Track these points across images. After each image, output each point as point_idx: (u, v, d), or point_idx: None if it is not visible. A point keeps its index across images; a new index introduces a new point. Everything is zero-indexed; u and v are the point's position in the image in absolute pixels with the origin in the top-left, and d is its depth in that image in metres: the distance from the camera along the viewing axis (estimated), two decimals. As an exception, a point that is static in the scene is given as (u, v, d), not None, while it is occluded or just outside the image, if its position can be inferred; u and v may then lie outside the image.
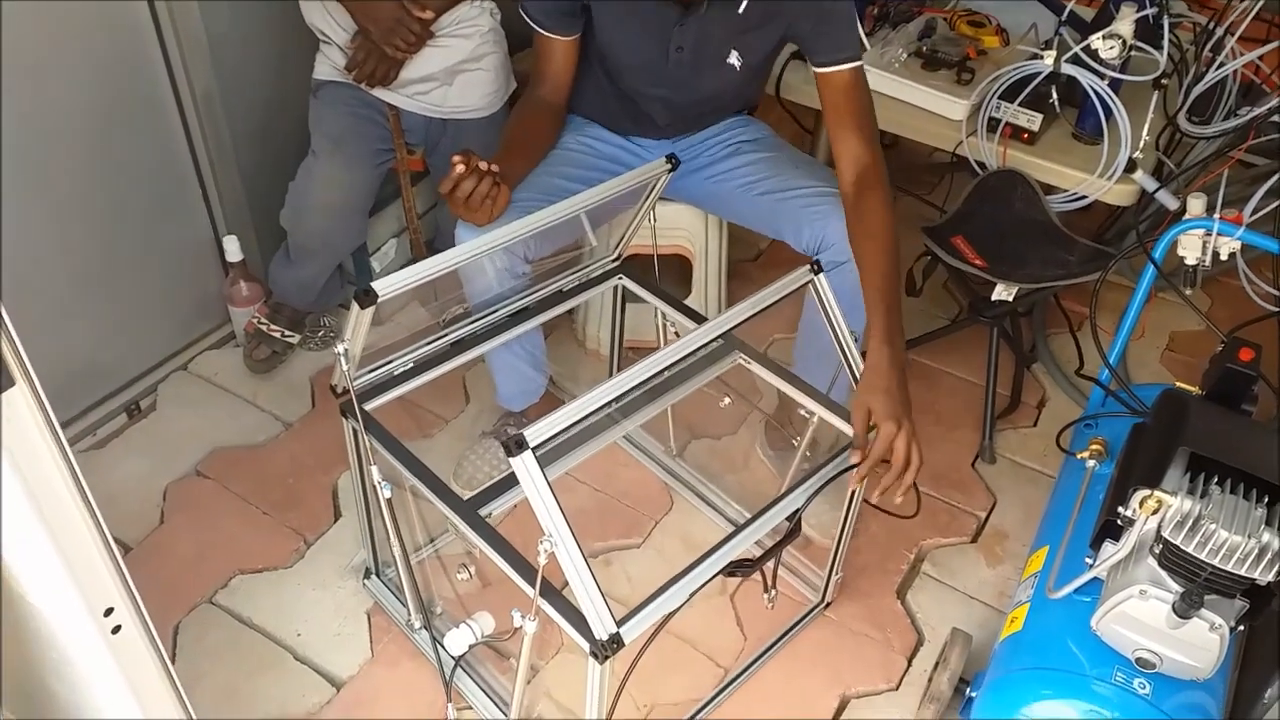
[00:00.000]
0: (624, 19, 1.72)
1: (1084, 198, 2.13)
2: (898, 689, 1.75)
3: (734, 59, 1.75)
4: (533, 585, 1.30)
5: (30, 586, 1.01)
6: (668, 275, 1.88)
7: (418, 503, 1.79)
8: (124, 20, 1.93)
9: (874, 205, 1.64)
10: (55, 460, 0.89)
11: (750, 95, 2.00)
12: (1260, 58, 2.14)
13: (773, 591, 1.60)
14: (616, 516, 2.01)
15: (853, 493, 1.66)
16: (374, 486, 1.52)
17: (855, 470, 1.51)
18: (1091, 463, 1.64)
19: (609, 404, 1.46)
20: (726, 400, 1.83)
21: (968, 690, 1.62)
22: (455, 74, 2.04)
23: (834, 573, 1.80)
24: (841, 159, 1.70)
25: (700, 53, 1.73)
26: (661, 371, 1.46)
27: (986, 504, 2.08)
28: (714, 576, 1.36)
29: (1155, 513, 1.28)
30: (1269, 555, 1.21)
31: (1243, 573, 1.21)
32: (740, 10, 1.67)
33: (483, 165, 1.55)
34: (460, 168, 1.53)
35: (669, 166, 1.67)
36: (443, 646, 1.54)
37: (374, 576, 1.84)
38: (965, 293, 2.27)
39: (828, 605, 1.86)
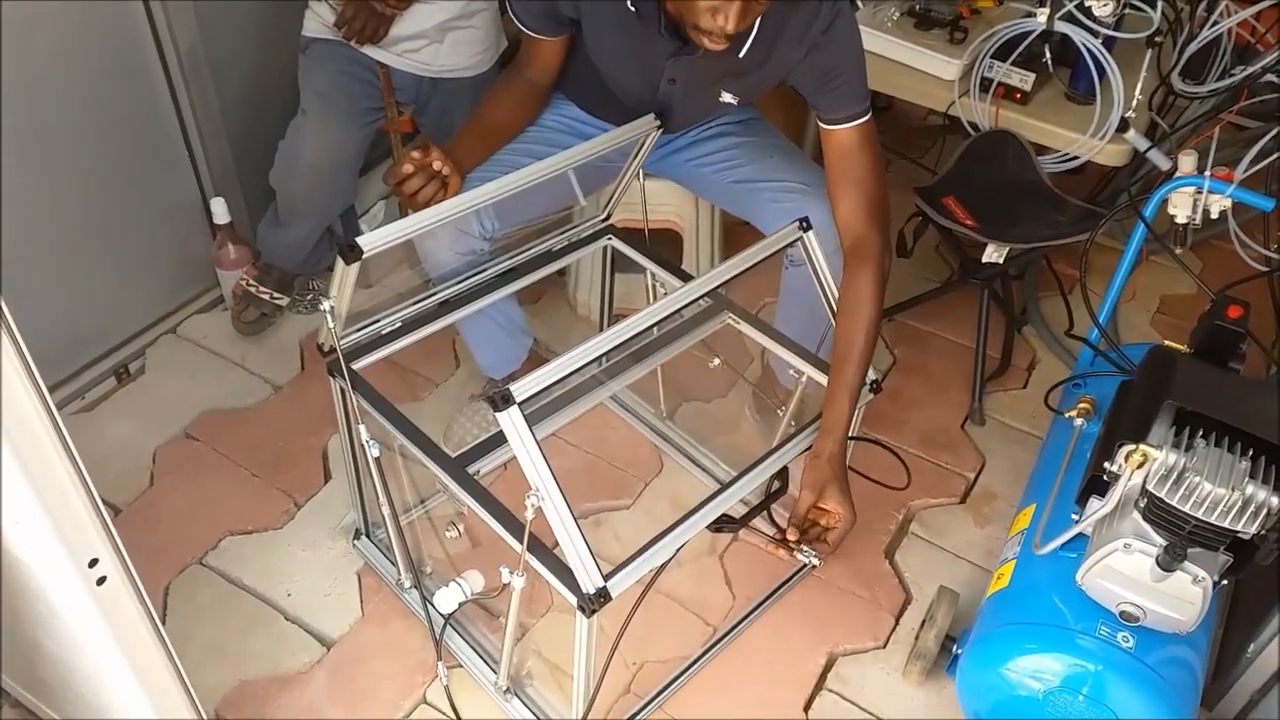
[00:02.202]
0: (616, 44, 1.64)
1: (1076, 158, 2.12)
2: (885, 647, 1.76)
3: (728, 97, 1.68)
4: (520, 541, 1.30)
5: (16, 540, 1.01)
6: (660, 252, 1.87)
7: (407, 464, 1.79)
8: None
9: (863, 281, 1.56)
10: (39, 413, 0.89)
11: None
12: (1256, 18, 2.13)
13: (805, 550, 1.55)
14: (606, 478, 2.02)
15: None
16: (362, 446, 1.52)
17: (778, 540, 1.52)
18: (1079, 421, 1.65)
19: (598, 362, 1.46)
20: (716, 361, 1.83)
21: (954, 648, 1.63)
22: (446, 31, 2.02)
23: (823, 532, 1.81)
24: (840, 221, 1.62)
25: (692, 86, 1.66)
26: (650, 329, 1.46)
27: (975, 465, 2.09)
28: (699, 531, 1.37)
29: (1140, 467, 1.29)
30: (1252, 507, 1.21)
31: (1226, 525, 1.22)
32: (740, 56, 1.57)
33: (436, 164, 1.53)
34: (409, 167, 1.52)
35: (657, 123, 1.66)
36: (432, 605, 1.56)
37: (364, 537, 1.85)
38: (956, 255, 2.26)
39: (815, 565, 1.86)
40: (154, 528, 1.87)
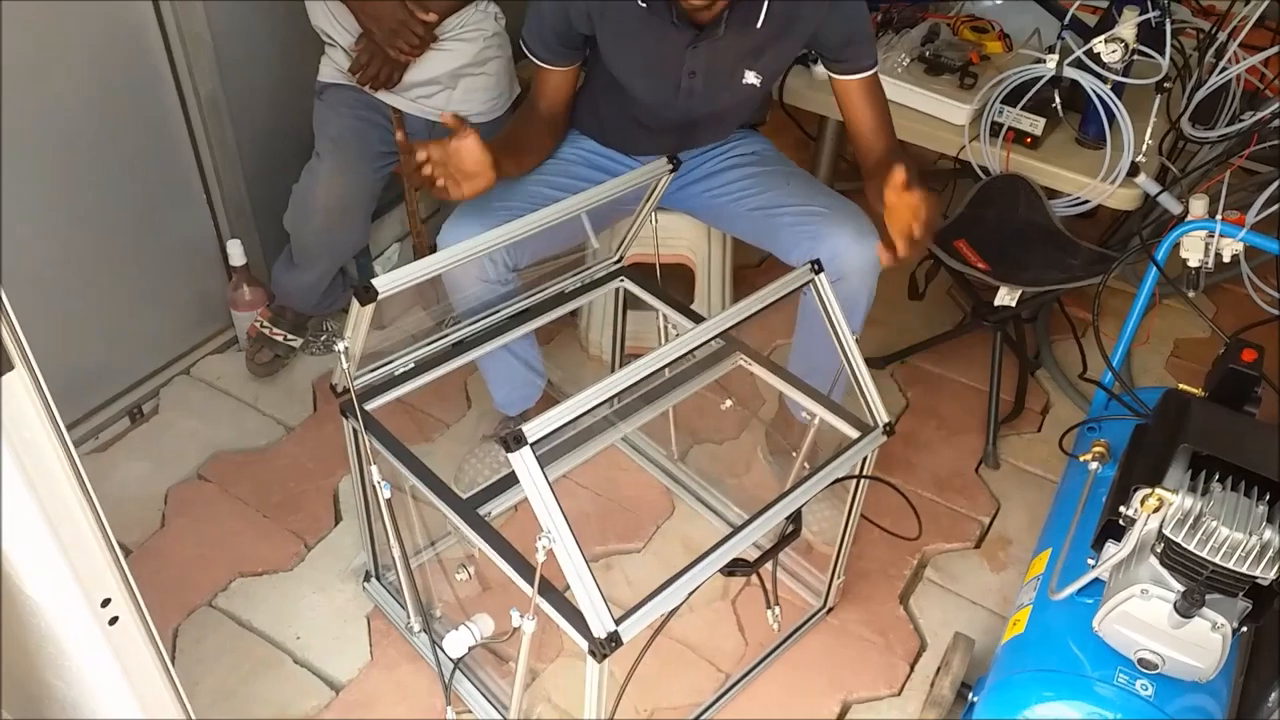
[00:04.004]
0: (632, 47, 1.68)
1: (1087, 202, 2.12)
2: (900, 694, 1.74)
3: (751, 77, 1.72)
4: (531, 583, 1.30)
5: (28, 578, 1.01)
6: (671, 287, 1.88)
7: (418, 506, 1.79)
8: (128, 20, 1.94)
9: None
10: (54, 447, 0.89)
11: (757, 114, 2.00)
12: (1264, 64, 2.14)
13: (776, 609, 1.60)
14: (617, 521, 2.01)
15: (854, 496, 1.65)
16: (374, 487, 1.52)
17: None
18: (1094, 465, 1.64)
19: (609, 403, 1.46)
20: (728, 402, 1.83)
21: (970, 695, 1.60)
22: (458, 78, 2.05)
23: (836, 577, 1.80)
24: (864, 152, 1.77)
25: (713, 75, 1.70)
26: (662, 371, 1.46)
27: (990, 509, 2.07)
28: (712, 575, 1.36)
29: (1157, 511, 1.28)
30: (1270, 553, 1.20)
31: (1244, 570, 1.20)
32: (758, 25, 1.63)
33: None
34: (421, 154, 1.53)
35: (670, 167, 1.67)
36: (442, 649, 1.54)
37: (374, 580, 1.84)
38: (969, 298, 2.26)
39: (830, 610, 1.85)
40: (164, 569, 1.87)
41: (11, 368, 0.82)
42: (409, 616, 1.73)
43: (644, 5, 1.61)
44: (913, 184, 1.47)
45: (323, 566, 1.90)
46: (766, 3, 1.61)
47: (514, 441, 1.20)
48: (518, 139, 1.78)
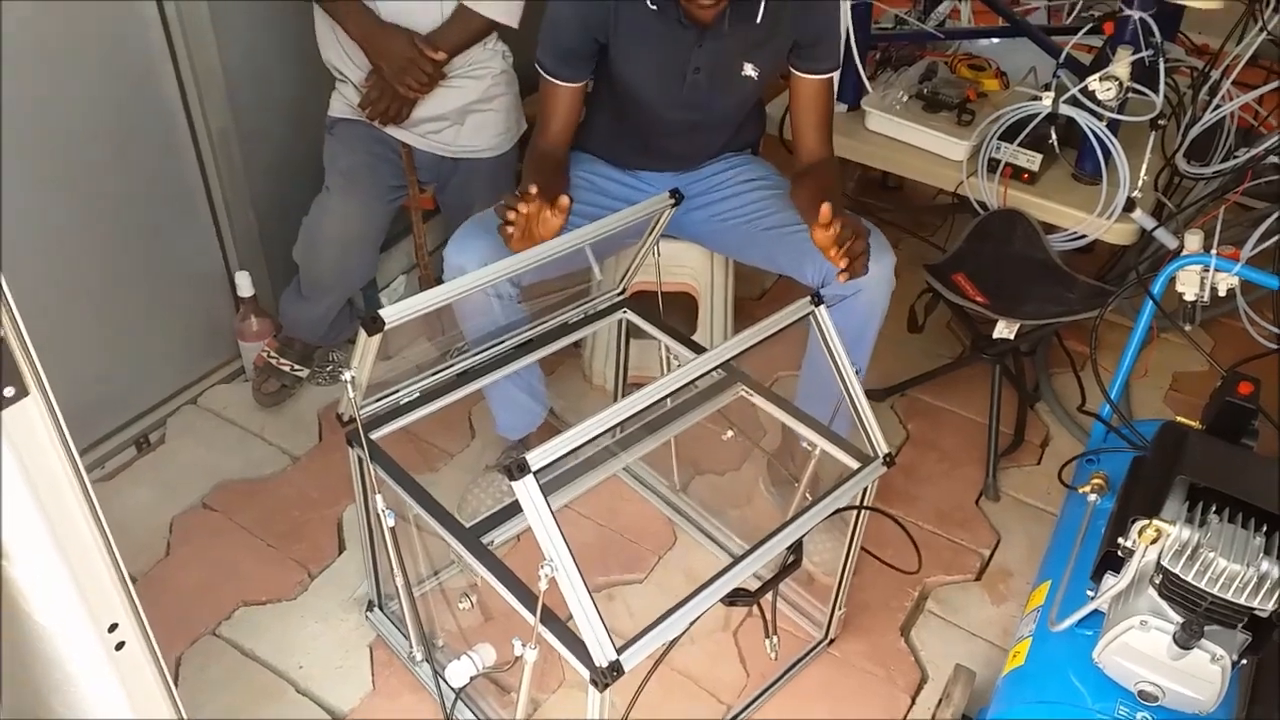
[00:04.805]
0: (643, 49, 1.77)
1: (1084, 236, 2.15)
2: (901, 726, 1.74)
3: (750, 70, 1.81)
4: (533, 612, 1.30)
5: (36, 601, 1.02)
6: (674, 315, 1.91)
7: (422, 535, 1.80)
8: (142, 53, 1.98)
9: (825, 170, 1.84)
10: (65, 472, 0.90)
11: (753, 133, 2.04)
12: (1258, 102, 2.18)
13: (774, 639, 1.60)
14: (619, 551, 2.01)
15: (855, 527, 1.66)
16: (378, 515, 1.53)
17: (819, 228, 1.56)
18: (1093, 497, 1.65)
19: (612, 432, 1.48)
20: (730, 433, 1.84)
21: (971, 727, 1.61)
22: (467, 114, 2.09)
23: (837, 608, 1.80)
24: (803, 149, 1.88)
25: (716, 70, 1.79)
26: (664, 400, 1.47)
27: (990, 542, 2.08)
28: (713, 605, 1.36)
29: (1154, 542, 1.29)
30: (1268, 584, 1.21)
31: (1242, 601, 1.21)
32: (757, 20, 1.73)
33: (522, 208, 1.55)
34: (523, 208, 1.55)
35: (672, 201, 1.70)
36: (444, 679, 1.54)
37: (376, 609, 1.85)
38: (968, 331, 2.28)
39: (831, 642, 1.85)
40: (168, 598, 1.88)
41: (26, 393, 0.84)
42: (411, 646, 1.74)
43: (654, 8, 1.70)
44: (836, 216, 1.55)
45: (326, 596, 1.91)
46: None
47: (517, 470, 1.21)
48: (548, 187, 1.81)
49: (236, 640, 1.82)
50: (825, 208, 1.51)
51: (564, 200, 1.58)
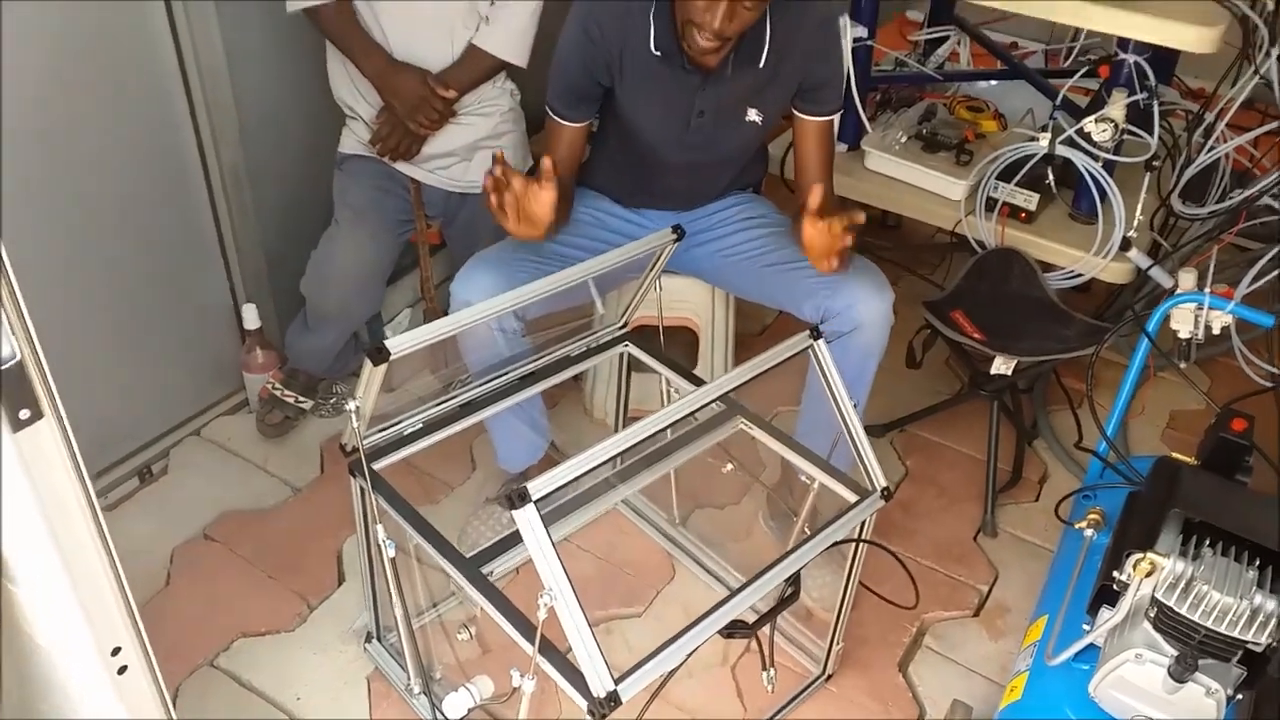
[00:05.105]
0: (647, 93, 1.80)
1: (1080, 275, 2.18)
2: (900, 762, 1.74)
3: (754, 115, 1.84)
4: (531, 642, 1.31)
5: (39, 624, 1.03)
6: (675, 350, 1.93)
7: (422, 569, 1.81)
8: (157, 90, 2.02)
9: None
10: (76, 495, 0.92)
11: (755, 173, 2.08)
12: (1253, 144, 2.22)
13: (771, 671, 1.61)
14: (618, 585, 2.02)
15: (853, 561, 1.67)
16: (379, 545, 1.54)
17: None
18: (1089, 532, 1.66)
19: (612, 462, 1.49)
20: (729, 466, 1.86)
21: (970, 763, 1.60)
22: (475, 150, 2.13)
23: (835, 643, 1.80)
24: (805, 183, 1.89)
25: (720, 114, 1.82)
26: (664, 433, 1.49)
27: (989, 578, 2.08)
28: (711, 636, 1.37)
29: (1149, 575, 1.30)
30: (1261, 617, 1.22)
31: (1235, 634, 1.22)
32: (760, 65, 1.76)
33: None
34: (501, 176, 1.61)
35: (674, 237, 1.73)
36: (441, 711, 1.55)
37: (375, 641, 1.85)
38: (966, 367, 2.30)
39: (829, 677, 1.85)
40: (167, 628, 1.88)
41: (41, 416, 0.86)
42: (409, 678, 1.74)
43: (658, 53, 1.73)
44: (826, 211, 1.59)
45: (325, 627, 1.91)
46: (767, 44, 1.74)
47: (518, 498, 1.23)
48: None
49: (235, 671, 1.83)
50: (816, 189, 1.59)
51: (546, 164, 1.61)
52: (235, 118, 2.09)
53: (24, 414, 0.84)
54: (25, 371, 0.83)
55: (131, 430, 2.22)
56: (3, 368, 0.82)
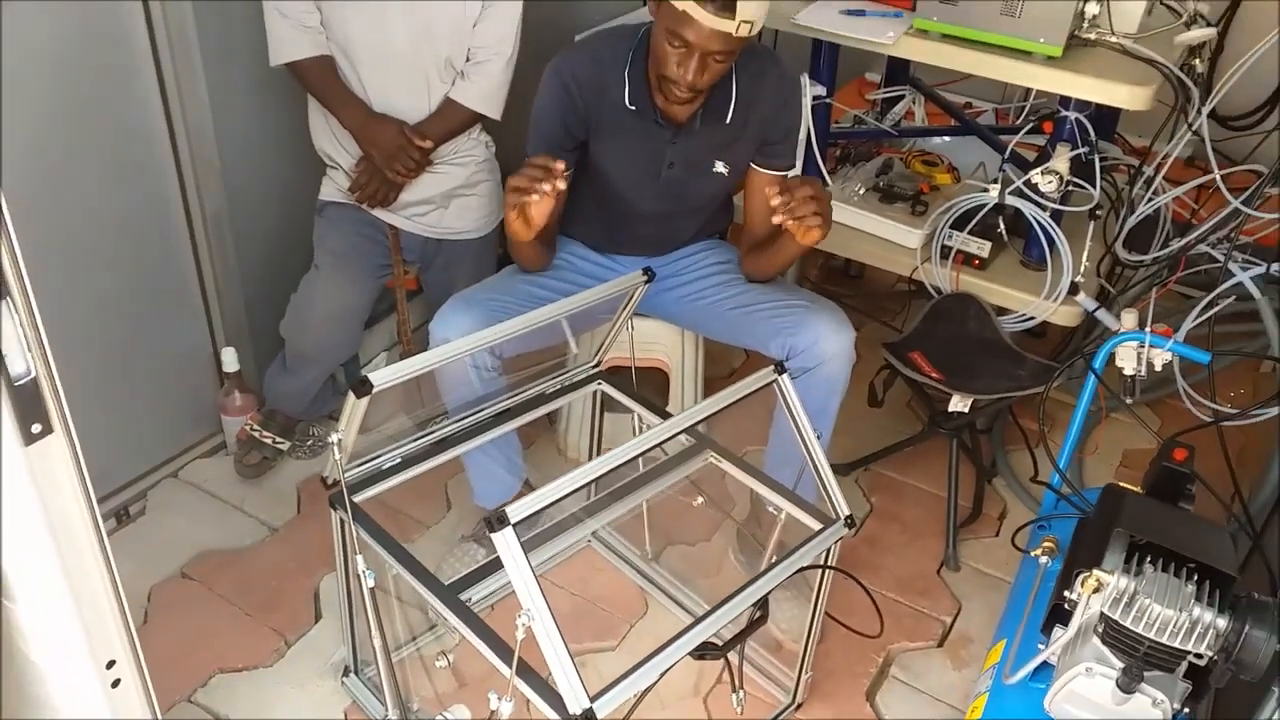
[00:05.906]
0: (621, 145, 1.91)
1: (1033, 318, 2.28)
2: (867, 789, 1.78)
3: (720, 167, 1.95)
4: (509, 663, 1.36)
5: (34, 639, 1.06)
6: (647, 390, 2.00)
7: (402, 606, 1.84)
8: (145, 140, 2.08)
9: None
10: (80, 509, 0.96)
11: (721, 221, 2.17)
12: (1195, 198, 2.35)
13: (741, 693, 1.65)
14: (592, 620, 2.06)
15: (819, 587, 1.73)
16: (358, 576, 1.58)
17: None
18: (1044, 560, 1.73)
19: (586, 495, 1.55)
20: (699, 500, 1.92)
21: (934, 786, 1.65)
22: (451, 198, 2.21)
23: (804, 673, 1.85)
24: (752, 234, 2.01)
25: (689, 165, 1.93)
26: (636, 467, 1.55)
27: (952, 610, 2.15)
28: (683, 657, 1.42)
29: (1096, 591, 1.37)
30: (1199, 628, 1.29)
31: (1176, 645, 1.29)
32: (727, 121, 1.87)
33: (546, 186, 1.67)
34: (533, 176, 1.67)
35: (645, 278, 1.81)
36: (419, 739, 1.58)
37: (352, 675, 1.87)
38: (925, 407, 2.39)
39: (798, 706, 1.90)
40: (146, 664, 1.89)
41: (51, 431, 0.91)
42: (386, 710, 1.76)
43: (632, 109, 1.84)
44: (785, 190, 1.70)
45: (302, 663, 1.93)
46: (734, 100, 1.86)
47: (497, 522, 1.29)
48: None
49: (212, 707, 1.84)
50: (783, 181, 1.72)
51: (559, 166, 1.67)
52: (219, 167, 2.15)
53: (35, 428, 0.89)
54: (39, 387, 0.88)
55: (109, 472, 2.24)
56: (17, 383, 0.86)
